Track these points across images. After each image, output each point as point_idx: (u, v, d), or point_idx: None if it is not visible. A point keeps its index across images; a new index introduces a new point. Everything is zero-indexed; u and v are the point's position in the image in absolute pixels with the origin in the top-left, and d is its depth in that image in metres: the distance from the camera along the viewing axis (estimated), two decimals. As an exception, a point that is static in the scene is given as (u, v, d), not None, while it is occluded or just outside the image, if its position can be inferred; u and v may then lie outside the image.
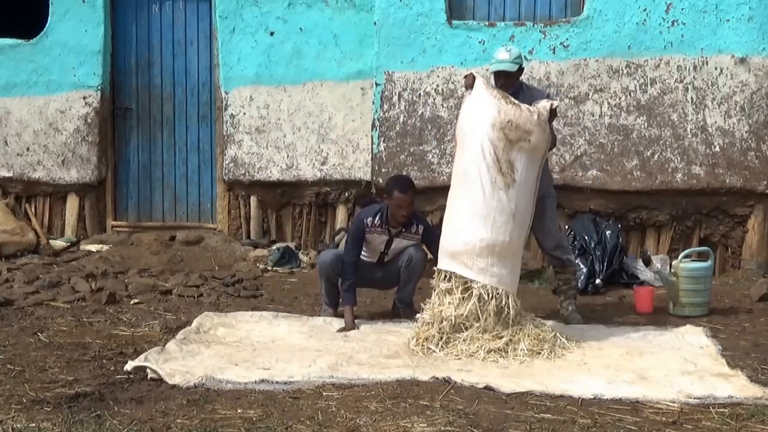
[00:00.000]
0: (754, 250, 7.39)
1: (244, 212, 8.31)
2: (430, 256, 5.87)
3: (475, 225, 5.03)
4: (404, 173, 7.37)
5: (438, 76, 7.57)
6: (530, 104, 5.38)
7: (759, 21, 7.20)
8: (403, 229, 5.77)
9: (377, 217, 5.73)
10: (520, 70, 5.53)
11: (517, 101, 5.17)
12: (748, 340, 5.33)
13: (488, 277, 4.99)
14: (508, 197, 5.04)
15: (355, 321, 5.57)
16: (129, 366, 4.54)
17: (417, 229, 5.80)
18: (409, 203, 5.65)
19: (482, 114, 5.09)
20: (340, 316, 5.77)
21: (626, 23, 7.33)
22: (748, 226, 7.41)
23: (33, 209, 8.57)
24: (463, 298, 5.00)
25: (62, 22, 8.28)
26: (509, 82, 5.46)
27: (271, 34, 8.03)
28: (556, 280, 5.96)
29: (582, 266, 6.93)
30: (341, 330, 5.49)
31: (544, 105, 5.22)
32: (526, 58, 5.60)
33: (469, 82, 5.28)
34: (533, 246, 6.67)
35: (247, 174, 8.15)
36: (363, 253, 5.81)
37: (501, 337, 4.91)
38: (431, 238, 5.82)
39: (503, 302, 4.99)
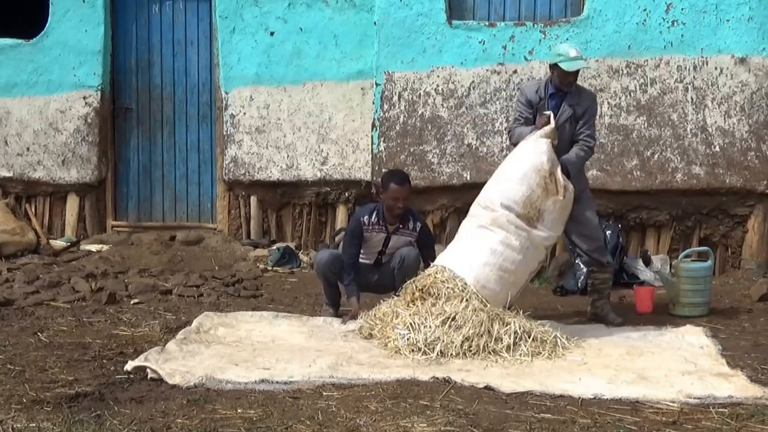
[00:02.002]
0: (754, 250, 7.39)
1: (244, 212, 8.31)
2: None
3: (475, 268, 5.15)
4: (404, 173, 7.38)
5: (438, 76, 7.57)
6: (578, 104, 5.58)
7: (759, 21, 7.20)
8: (401, 226, 5.77)
9: (374, 215, 5.74)
10: None
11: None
12: (748, 340, 5.34)
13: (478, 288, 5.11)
14: (524, 242, 5.21)
15: (363, 314, 5.49)
16: (129, 366, 4.53)
17: (414, 226, 5.80)
18: (405, 196, 5.67)
19: (532, 157, 5.28)
20: (341, 316, 5.77)
21: (626, 23, 7.33)
22: (748, 226, 7.41)
23: (33, 209, 8.57)
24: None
25: (62, 22, 8.28)
26: (575, 78, 5.61)
27: (271, 34, 8.03)
28: (592, 278, 5.94)
29: (582, 266, 6.92)
30: (347, 317, 5.47)
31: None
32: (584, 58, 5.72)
33: (544, 121, 5.42)
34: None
35: (247, 174, 8.16)
36: (361, 254, 5.80)
37: (500, 339, 4.90)
38: (426, 240, 5.82)
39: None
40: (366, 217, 5.74)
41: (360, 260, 5.82)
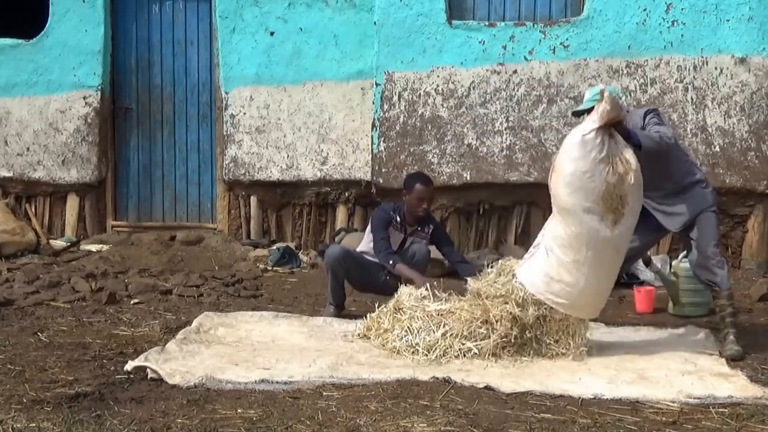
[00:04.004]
0: (754, 250, 7.39)
1: (244, 212, 8.31)
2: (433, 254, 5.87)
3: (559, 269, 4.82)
4: (404, 173, 7.38)
5: (438, 76, 7.57)
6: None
7: (759, 21, 7.20)
8: (418, 228, 5.80)
9: (396, 214, 5.77)
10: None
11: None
12: (748, 340, 5.32)
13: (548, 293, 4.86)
14: (612, 234, 4.73)
15: (365, 316, 5.40)
16: (129, 366, 4.53)
17: (429, 229, 5.84)
18: (429, 197, 5.74)
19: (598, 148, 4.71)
20: (343, 316, 5.76)
21: (626, 23, 7.34)
22: (748, 226, 7.41)
23: (33, 209, 8.58)
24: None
25: (62, 22, 8.28)
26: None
27: (271, 34, 8.04)
28: (714, 305, 5.34)
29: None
30: (419, 287, 5.17)
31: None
32: (620, 96, 5.08)
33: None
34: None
35: (247, 174, 8.16)
36: (371, 255, 5.80)
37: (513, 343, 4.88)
38: (440, 238, 5.83)
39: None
40: (392, 213, 5.78)
41: (369, 258, 5.81)
